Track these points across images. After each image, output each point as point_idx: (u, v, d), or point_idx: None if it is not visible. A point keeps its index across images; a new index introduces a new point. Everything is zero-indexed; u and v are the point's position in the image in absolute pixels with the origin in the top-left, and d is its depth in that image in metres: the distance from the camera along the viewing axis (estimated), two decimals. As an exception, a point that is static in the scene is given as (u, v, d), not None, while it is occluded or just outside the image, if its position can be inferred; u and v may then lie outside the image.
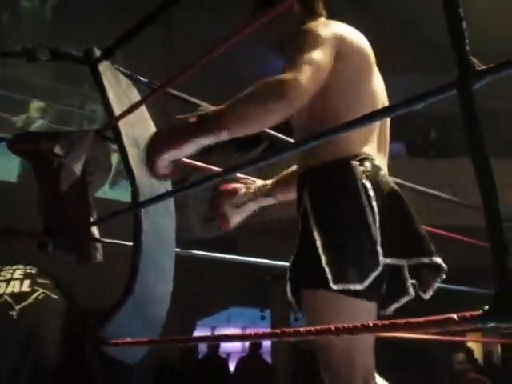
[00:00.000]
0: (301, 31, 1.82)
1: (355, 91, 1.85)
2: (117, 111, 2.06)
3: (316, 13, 2.01)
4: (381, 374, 1.85)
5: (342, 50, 1.80)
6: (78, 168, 2.02)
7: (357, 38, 1.90)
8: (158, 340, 2.05)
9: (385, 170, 1.86)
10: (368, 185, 1.71)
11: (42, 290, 1.46)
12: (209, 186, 2.17)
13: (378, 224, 1.67)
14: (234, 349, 10.07)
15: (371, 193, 1.69)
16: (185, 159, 2.02)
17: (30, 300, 1.41)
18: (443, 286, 1.95)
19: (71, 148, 2.03)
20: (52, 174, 2.02)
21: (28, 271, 1.52)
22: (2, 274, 1.49)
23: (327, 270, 1.63)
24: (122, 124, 2.05)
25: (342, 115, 1.78)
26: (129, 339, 1.69)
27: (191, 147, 1.61)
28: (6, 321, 1.36)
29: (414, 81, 10.93)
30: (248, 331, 9.86)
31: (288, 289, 1.79)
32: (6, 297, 1.41)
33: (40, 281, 1.50)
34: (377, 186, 1.72)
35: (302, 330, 1.10)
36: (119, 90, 2.20)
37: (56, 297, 1.47)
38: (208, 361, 9.03)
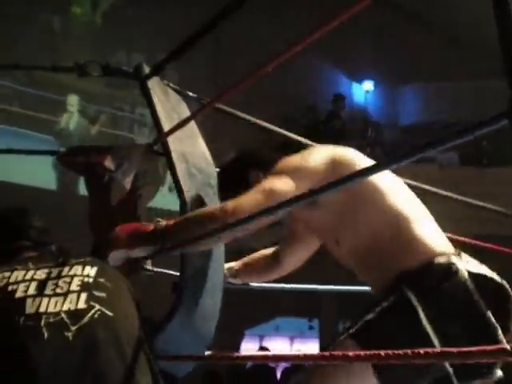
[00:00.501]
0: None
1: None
2: (166, 126, 2.08)
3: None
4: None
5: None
6: (128, 182, 2.04)
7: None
8: (207, 356, 2.06)
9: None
10: (471, 286, 1.72)
11: (97, 307, 1.39)
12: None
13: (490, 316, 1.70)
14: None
15: (476, 294, 1.71)
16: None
17: (85, 320, 1.36)
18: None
19: (121, 162, 2.06)
20: (103, 188, 2.05)
21: (85, 280, 1.44)
22: (60, 283, 1.42)
23: (449, 370, 1.66)
24: (170, 139, 2.07)
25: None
26: (178, 355, 1.71)
27: (141, 251, 1.82)
28: (62, 341, 1.31)
29: (464, 88, 10.79)
30: (296, 348, 9.81)
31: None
32: (63, 315, 1.35)
33: (96, 294, 1.42)
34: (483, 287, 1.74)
35: (351, 354, 1.08)
36: (168, 106, 2.22)
37: (112, 314, 1.40)
38: (256, 370, 9.01)
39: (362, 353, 1.11)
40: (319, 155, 1.94)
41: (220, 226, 1.67)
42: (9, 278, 1.42)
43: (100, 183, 2.07)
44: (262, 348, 9.26)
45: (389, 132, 11.00)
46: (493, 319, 1.70)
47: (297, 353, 1.51)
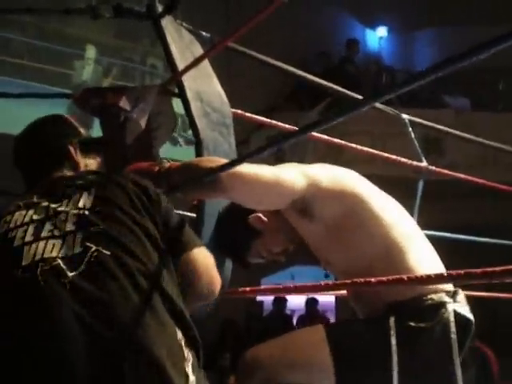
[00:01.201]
0: None
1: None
2: (180, 66, 2.07)
3: None
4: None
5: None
6: (143, 122, 2.04)
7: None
8: (227, 292, 2.08)
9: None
10: (453, 333, 1.74)
11: (94, 248, 1.34)
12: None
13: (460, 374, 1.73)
14: (298, 306, 10.14)
15: (455, 343, 1.74)
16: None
17: (82, 266, 1.31)
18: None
19: (137, 102, 2.05)
20: (118, 128, 2.05)
21: (81, 213, 1.40)
22: (57, 223, 1.38)
23: None
24: (185, 78, 2.05)
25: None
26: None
27: None
28: (59, 290, 1.27)
29: (480, 32, 10.56)
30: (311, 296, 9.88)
31: None
32: (59, 261, 1.31)
33: (93, 230, 1.37)
34: (462, 328, 1.77)
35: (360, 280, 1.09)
36: (182, 45, 2.20)
37: (108, 253, 1.34)
38: (273, 318, 9.14)
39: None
40: (334, 172, 1.93)
41: (215, 181, 1.67)
42: (9, 222, 1.40)
43: (115, 124, 2.07)
44: (278, 297, 9.34)
45: (403, 78, 10.83)
46: (458, 370, 1.72)
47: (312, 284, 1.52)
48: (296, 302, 9.95)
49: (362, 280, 1.33)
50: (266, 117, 3.15)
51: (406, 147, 3.66)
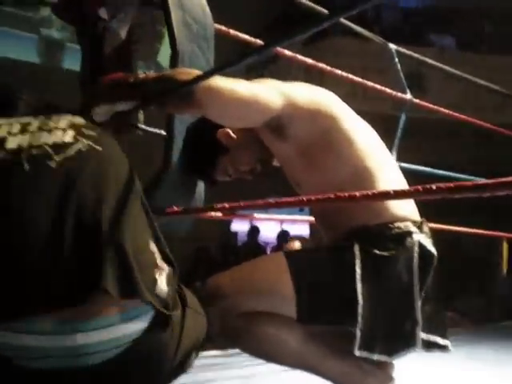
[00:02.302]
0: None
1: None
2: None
3: None
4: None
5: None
6: (123, 33, 1.96)
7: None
8: (204, 208, 2.06)
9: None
10: (416, 265, 1.73)
11: (85, 142, 1.31)
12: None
13: (419, 303, 1.73)
14: (271, 240, 10.23)
15: (417, 274, 1.72)
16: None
17: (71, 152, 1.28)
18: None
19: (117, 11, 1.96)
20: (96, 39, 1.97)
21: (74, 121, 1.38)
22: (47, 122, 1.35)
23: (358, 334, 1.66)
24: (168, -15, 1.96)
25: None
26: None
27: (123, 105, 1.70)
28: (43, 171, 1.24)
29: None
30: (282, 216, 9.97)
31: None
32: (46, 147, 1.28)
33: (86, 132, 1.35)
34: (424, 260, 1.75)
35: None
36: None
37: (100, 148, 1.32)
38: (247, 248, 9.22)
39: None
40: (312, 91, 1.86)
41: (190, 96, 1.60)
42: None
43: (94, 33, 1.99)
44: (252, 227, 9.41)
45: (389, 14, 10.69)
46: (418, 300, 1.72)
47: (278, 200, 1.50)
48: (269, 235, 10.04)
49: (333, 195, 1.30)
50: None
51: (387, 84, 3.58)
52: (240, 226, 10.40)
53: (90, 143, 1.31)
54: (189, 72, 1.66)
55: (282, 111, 1.73)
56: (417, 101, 3.38)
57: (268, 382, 2.50)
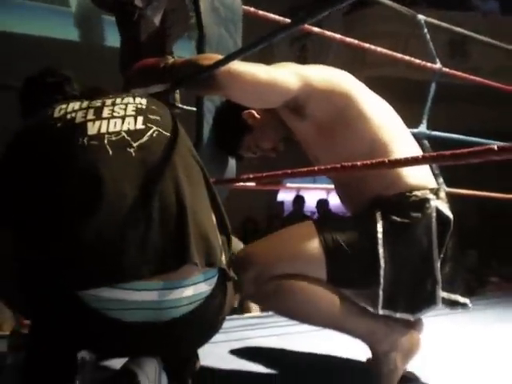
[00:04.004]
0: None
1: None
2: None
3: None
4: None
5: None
6: (157, 19, 2.11)
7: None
8: (237, 179, 2.23)
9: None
10: (434, 229, 1.84)
11: (155, 128, 1.49)
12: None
13: (438, 264, 1.85)
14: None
15: (435, 238, 1.84)
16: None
17: (145, 138, 1.46)
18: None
19: (151, 0, 2.11)
20: (132, 26, 2.12)
21: (139, 106, 1.55)
22: (116, 109, 1.53)
23: (381, 294, 1.79)
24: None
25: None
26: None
27: (156, 87, 1.90)
28: (125, 157, 1.41)
29: None
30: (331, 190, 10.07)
31: None
32: (124, 134, 1.45)
33: (152, 117, 1.53)
34: (442, 224, 1.86)
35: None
36: None
37: (168, 134, 1.51)
38: (293, 217, 9.34)
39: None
40: (327, 73, 1.98)
41: (212, 79, 1.75)
42: (66, 108, 1.53)
43: (130, 21, 2.14)
44: (298, 197, 9.53)
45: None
46: (437, 261, 1.84)
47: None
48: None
49: (349, 164, 1.44)
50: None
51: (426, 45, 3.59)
52: (286, 196, 10.52)
53: (159, 129, 1.50)
54: (212, 57, 1.81)
55: (299, 92, 1.86)
56: (446, 70, 3.43)
57: (301, 340, 2.65)
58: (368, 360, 2.00)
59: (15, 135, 1.54)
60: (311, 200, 9.82)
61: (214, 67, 1.67)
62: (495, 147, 1.07)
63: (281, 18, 2.80)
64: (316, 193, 10.37)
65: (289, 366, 2.23)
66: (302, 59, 8.74)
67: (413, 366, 2.02)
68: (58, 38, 8.05)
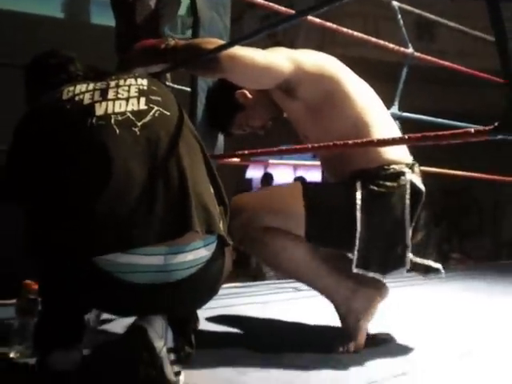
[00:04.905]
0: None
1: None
2: None
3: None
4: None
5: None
6: (152, 2, 2.21)
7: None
8: (226, 154, 2.38)
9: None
10: (408, 199, 2.02)
11: (156, 108, 1.62)
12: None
13: (410, 231, 2.02)
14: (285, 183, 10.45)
15: (408, 207, 2.01)
16: None
17: (148, 117, 1.59)
18: None
19: (146, -17, 2.21)
20: (128, 8, 2.22)
21: (141, 88, 1.68)
22: (120, 91, 1.64)
23: (356, 254, 1.97)
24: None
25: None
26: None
27: (155, 67, 2.06)
28: (131, 135, 1.53)
29: None
30: (299, 167, 10.23)
31: None
32: (129, 114, 1.58)
33: (153, 98, 1.66)
34: (415, 195, 2.04)
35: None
36: None
37: (168, 113, 1.64)
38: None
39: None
40: (317, 57, 2.14)
41: (215, 63, 1.89)
42: (74, 90, 1.64)
43: (125, 3, 2.24)
44: (266, 174, 9.67)
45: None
46: (409, 228, 2.01)
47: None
48: (282, 181, 10.29)
49: (341, 142, 1.61)
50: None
51: (397, 31, 3.78)
52: (254, 173, 10.67)
53: (160, 109, 1.63)
54: (213, 41, 1.96)
55: (291, 75, 2.02)
56: (418, 54, 3.58)
57: (281, 307, 2.84)
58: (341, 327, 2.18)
59: (25, 116, 1.65)
60: (279, 176, 9.98)
61: (218, 51, 1.80)
62: (472, 130, 1.23)
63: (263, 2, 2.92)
64: (284, 170, 10.54)
65: (266, 330, 2.40)
66: (273, 37, 8.84)
67: (386, 328, 2.23)
68: (48, 16, 8.06)
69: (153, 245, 1.45)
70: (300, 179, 8.26)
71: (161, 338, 1.48)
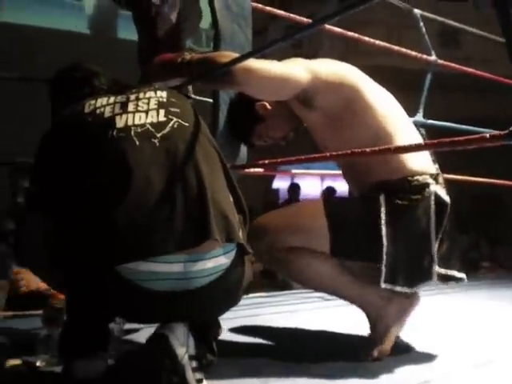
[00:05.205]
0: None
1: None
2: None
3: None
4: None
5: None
6: (173, 15, 2.25)
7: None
8: (248, 164, 2.42)
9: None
10: (433, 212, 2.00)
11: (175, 119, 1.66)
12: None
13: (436, 244, 2.01)
14: (312, 195, 10.50)
15: (433, 219, 2.00)
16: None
17: (167, 129, 1.62)
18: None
19: (167, -4, 2.25)
20: (150, 22, 2.26)
21: (160, 100, 1.71)
22: (140, 104, 1.68)
23: (383, 269, 1.96)
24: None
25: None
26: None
27: (174, 81, 2.11)
28: (150, 146, 1.57)
29: None
30: (326, 177, 10.22)
31: None
32: (148, 126, 1.62)
33: (172, 110, 1.69)
34: (439, 207, 2.02)
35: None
36: None
37: (187, 124, 1.67)
38: (287, 205, 9.45)
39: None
40: (335, 67, 2.14)
41: (230, 76, 1.91)
42: (95, 104, 1.68)
43: (147, 17, 2.28)
44: (292, 185, 9.67)
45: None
46: (434, 240, 2.01)
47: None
48: (310, 191, 10.30)
49: (358, 150, 1.61)
50: (285, 9, 3.31)
51: (421, 38, 3.72)
52: (281, 184, 10.68)
53: (179, 120, 1.67)
54: (228, 54, 1.98)
55: (309, 85, 2.03)
56: (441, 61, 3.56)
57: (307, 317, 2.85)
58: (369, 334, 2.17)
59: (50, 130, 1.70)
60: (306, 187, 9.99)
61: (231, 64, 1.82)
62: (487, 135, 1.23)
63: (286, 14, 2.95)
64: (311, 180, 10.55)
65: (292, 339, 2.40)
66: (297, 48, 8.88)
67: (408, 336, 2.21)
68: (73, 31, 8.21)
69: (172, 253, 1.47)
70: (329, 190, 8.33)
71: (182, 345, 1.50)
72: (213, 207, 1.53)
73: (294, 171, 3.77)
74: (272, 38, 1.75)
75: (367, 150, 1.66)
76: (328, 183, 10.64)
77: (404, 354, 2.09)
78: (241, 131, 2.38)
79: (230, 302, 1.71)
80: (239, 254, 1.63)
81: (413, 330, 2.17)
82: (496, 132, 1.21)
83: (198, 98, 2.55)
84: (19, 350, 1.90)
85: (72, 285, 1.59)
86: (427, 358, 2.07)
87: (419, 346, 2.21)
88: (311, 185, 10.51)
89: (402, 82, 6.36)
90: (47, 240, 1.58)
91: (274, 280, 5.36)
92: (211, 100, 2.43)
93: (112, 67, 2.34)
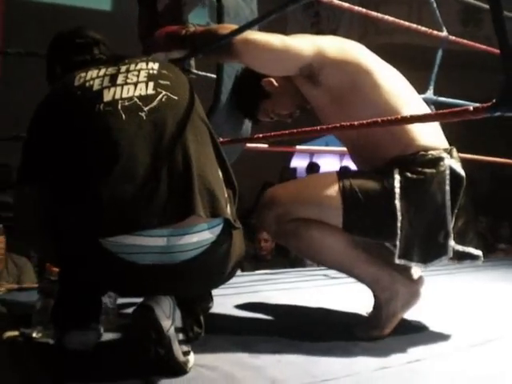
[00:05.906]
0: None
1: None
2: None
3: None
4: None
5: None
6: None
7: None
8: (250, 138, 2.40)
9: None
10: (448, 185, 1.97)
11: (164, 93, 1.64)
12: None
13: (451, 218, 1.97)
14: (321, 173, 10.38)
15: (448, 193, 1.97)
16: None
17: (155, 102, 1.61)
18: None
19: (168, -28, 2.23)
20: (151, -3, 2.25)
21: (151, 72, 1.69)
22: (129, 76, 1.67)
23: (398, 245, 1.92)
24: None
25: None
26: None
27: (176, 53, 2.10)
28: (137, 120, 1.56)
29: None
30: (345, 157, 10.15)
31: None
32: (136, 99, 1.60)
33: (162, 82, 1.67)
34: (455, 181, 1.98)
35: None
36: None
37: (176, 98, 1.65)
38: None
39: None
40: (342, 44, 2.10)
41: (229, 47, 1.90)
42: (85, 76, 1.68)
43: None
44: (311, 164, 9.61)
45: None
46: (450, 215, 1.97)
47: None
48: (328, 167, 10.22)
49: (370, 121, 1.59)
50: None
51: (443, 16, 3.63)
52: (299, 163, 10.63)
53: (168, 94, 1.65)
54: (230, 27, 1.96)
55: (313, 59, 2.00)
56: (452, 37, 3.50)
57: (309, 294, 2.83)
58: (369, 313, 2.17)
59: (42, 102, 1.69)
60: (326, 166, 9.93)
61: (231, 35, 1.81)
62: (470, 108, 1.22)
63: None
64: (330, 159, 10.49)
65: (290, 316, 2.39)
66: (316, 25, 8.79)
67: (415, 315, 2.21)
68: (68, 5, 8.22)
69: (156, 227, 1.48)
70: (344, 169, 8.27)
71: (168, 317, 1.50)
72: (198, 182, 1.53)
73: (296, 147, 3.72)
74: (291, 13, 1.73)
75: (364, 121, 1.62)
76: (346, 163, 10.57)
77: (402, 333, 2.06)
78: (247, 106, 2.36)
79: (217, 276, 1.71)
80: (226, 229, 1.63)
81: (415, 310, 2.15)
82: (479, 105, 1.19)
83: (201, 73, 2.53)
84: (18, 322, 1.91)
85: (62, 257, 1.61)
86: (425, 337, 2.07)
87: (419, 325, 2.21)
88: (330, 163, 10.42)
89: (422, 59, 6.28)
90: (36, 212, 1.59)
91: (286, 258, 5.35)
92: (215, 76, 2.41)
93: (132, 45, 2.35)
